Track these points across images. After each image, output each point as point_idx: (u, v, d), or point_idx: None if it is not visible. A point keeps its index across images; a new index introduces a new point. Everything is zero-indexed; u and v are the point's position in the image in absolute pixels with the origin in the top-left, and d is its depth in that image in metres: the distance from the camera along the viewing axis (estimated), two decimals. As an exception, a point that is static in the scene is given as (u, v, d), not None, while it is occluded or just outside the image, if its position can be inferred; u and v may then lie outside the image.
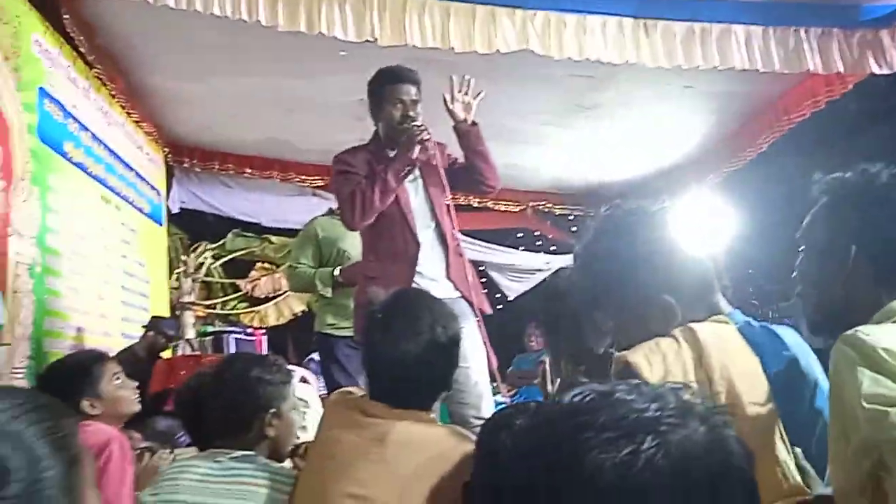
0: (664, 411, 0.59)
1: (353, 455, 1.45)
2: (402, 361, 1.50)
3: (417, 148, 2.68)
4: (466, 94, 2.82)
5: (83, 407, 2.09)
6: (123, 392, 2.25)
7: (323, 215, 3.76)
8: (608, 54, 3.82)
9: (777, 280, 7.24)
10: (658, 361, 1.26)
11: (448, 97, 2.79)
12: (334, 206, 3.65)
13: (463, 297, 2.68)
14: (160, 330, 4.85)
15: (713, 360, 1.26)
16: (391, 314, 1.56)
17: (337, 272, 3.44)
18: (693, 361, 1.27)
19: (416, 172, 2.79)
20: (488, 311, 2.72)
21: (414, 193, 2.79)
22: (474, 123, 2.82)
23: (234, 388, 1.70)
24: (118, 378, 2.24)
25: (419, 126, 2.69)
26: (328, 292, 3.41)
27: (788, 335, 1.40)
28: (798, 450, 1.21)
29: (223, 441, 1.67)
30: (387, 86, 2.77)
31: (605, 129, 5.80)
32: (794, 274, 1.37)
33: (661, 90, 4.96)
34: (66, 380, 2.12)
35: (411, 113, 2.72)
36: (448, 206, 2.81)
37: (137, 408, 2.34)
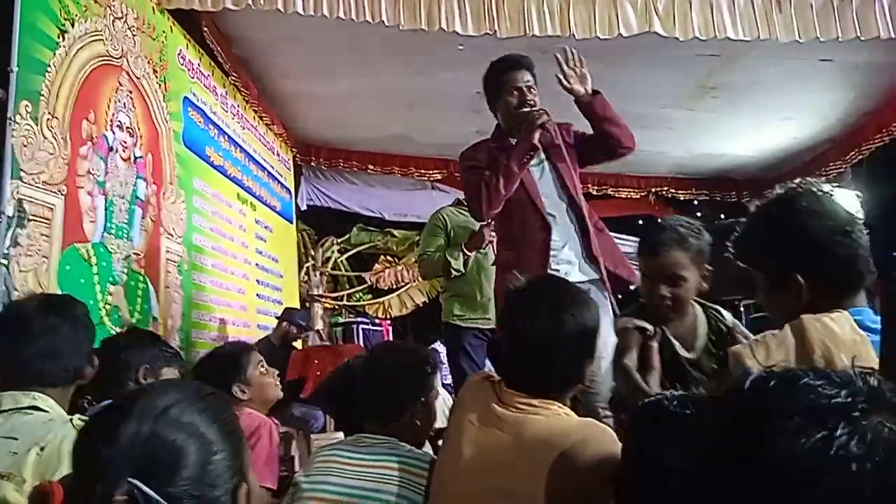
0: (856, 397, 0.56)
1: (490, 446, 1.46)
2: (533, 348, 1.49)
3: (537, 132, 2.65)
4: (577, 65, 2.68)
5: (234, 392, 2.26)
6: (267, 379, 2.40)
7: (449, 206, 3.81)
8: (737, 31, 3.65)
9: (929, 264, 6.67)
10: (761, 351, 1.28)
11: (561, 76, 2.66)
12: (460, 195, 3.70)
13: (601, 279, 2.62)
14: (293, 321, 5.09)
15: (816, 350, 1.23)
16: (526, 301, 1.56)
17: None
18: (795, 350, 1.25)
19: (542, 155, 2.77)
20: (637, 281, 2.62)
21: (539, 176, 2.75)
22: (596, 92, 2.69)
23: (389, 376, 1.74)
24: (262, 366, 2.39)
25: (538, 110, 2.65)
26: (459, 265, 3.44)
27: None
28: None
29: (372, 427, 1.72)
30: (501, 76, 2.73)
31: (732, 110, 5.55)
32: None
33: (795, 65, 4.68)
34: (219, 368, 2.30)
35: (528, 98, 2.68)
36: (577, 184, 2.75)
37: (280, 394, 2.48)
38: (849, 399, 0.56)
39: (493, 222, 3.08)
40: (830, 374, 0.58)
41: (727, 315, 2.02)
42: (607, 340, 2.13)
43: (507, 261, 2.75)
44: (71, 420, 1.51)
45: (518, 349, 1.55)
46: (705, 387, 1.96)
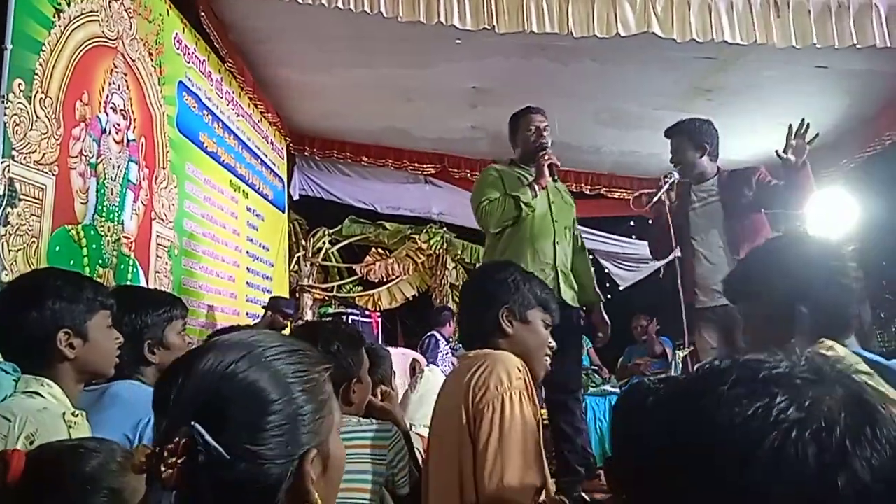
0: (796, 368, 0.58)
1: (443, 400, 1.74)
2: (462, 308, 1.88)
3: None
4: (801, 137, 3.10)
5: None
6: None
7: (500, 163, 3.63)
8: (735, 35, 3.66)
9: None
10: None
11: (783, 145, 3.14)
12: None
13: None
14: (279, 309, 5.05)
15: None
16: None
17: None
18: None
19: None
20: None
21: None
22: (804, 164, 3.11)
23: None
24: None
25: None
26: (529, 198, 3.24)
27: None
28: None
29: None
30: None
31: (727, 114, 5.55)
32: None
33: (790, 71, 4.70)
34: None
35: None
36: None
37: None
38: (788, 370, 0.58)
39: (547, 153, 3.33)
40: (774, 352, 0.60)
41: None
42: None
43: None
44: (63, 415, 1.46)
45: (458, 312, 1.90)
46: None
